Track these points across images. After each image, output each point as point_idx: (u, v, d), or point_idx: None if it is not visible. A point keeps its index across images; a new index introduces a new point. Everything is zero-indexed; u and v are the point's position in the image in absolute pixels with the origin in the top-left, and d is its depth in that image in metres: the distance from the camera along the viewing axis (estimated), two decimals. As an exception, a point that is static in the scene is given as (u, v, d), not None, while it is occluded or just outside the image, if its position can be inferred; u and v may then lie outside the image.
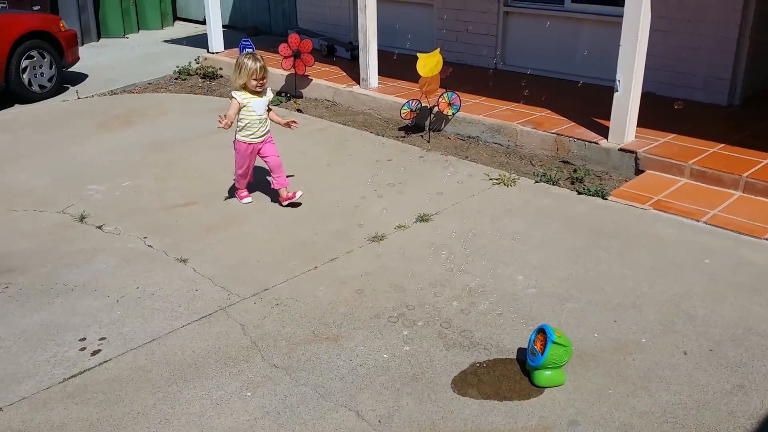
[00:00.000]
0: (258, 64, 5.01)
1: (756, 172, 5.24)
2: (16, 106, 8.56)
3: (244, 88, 5.10)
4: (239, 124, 5.21)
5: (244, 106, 5.12)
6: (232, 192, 5.65)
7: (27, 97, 8.65)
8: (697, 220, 4.88)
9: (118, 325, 3.95)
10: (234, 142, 5.32)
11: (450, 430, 3.10)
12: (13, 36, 8.38)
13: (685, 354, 3.54)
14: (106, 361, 3.64)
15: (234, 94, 5.14)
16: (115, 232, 5.09)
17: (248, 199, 5.52)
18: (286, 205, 5.36)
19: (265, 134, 5.29)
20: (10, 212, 5.47)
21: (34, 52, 8.65)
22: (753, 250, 4.49)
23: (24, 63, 8.54)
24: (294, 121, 5.44)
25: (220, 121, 5.02)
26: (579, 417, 3.15)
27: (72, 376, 3.53)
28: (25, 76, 8.57)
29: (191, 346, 3.74)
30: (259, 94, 5.16)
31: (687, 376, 3.38)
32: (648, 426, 3.08)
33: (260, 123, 5.21)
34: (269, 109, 5.32)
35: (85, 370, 3.57)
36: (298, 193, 5.36)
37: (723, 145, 5.81)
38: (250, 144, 5.25)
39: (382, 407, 3.25)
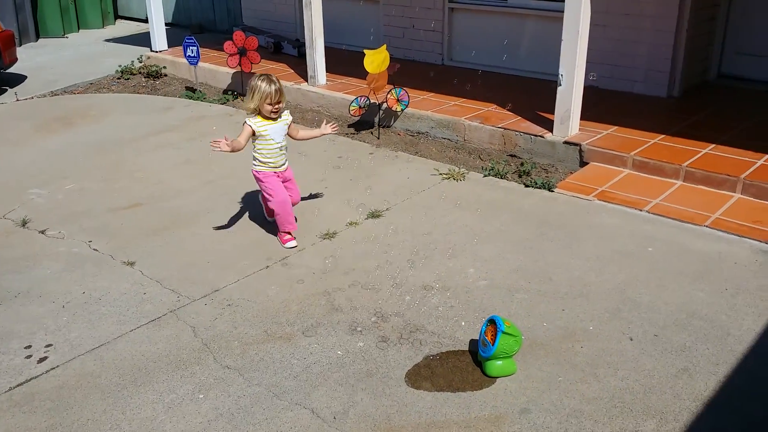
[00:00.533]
0: (273, 87, 4.44)
1: (695, 162, 5.40)
2: (-49, 109, 8.28)
3: (258, 113, 4.55)
4: (255, 154, 4.65)
5: (261, 135, 4.55)
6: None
7: (-38, 99, 8.38)
8: (640, 210, 5.01)
9: (64, 332, 3.86)
10: (254, 173, 4.71)
11: (405, 424, 3.12)
12: (-54, 37, 8.11)
13: (631, 340, 3.63)
14: (54, 368, 3.56)
15: (248, 120, 4.55)
16: (59, 237, 4.97)
17: (293, 243, 4.77)
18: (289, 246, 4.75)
19: (285, 163, 4.75)
20: (-53, 219, 5.30)
21: (-32, 53, 8.39)
22: (694, 238, 4.63)
23: (-42, 64, 8.28)
24: (332, 125, 4.98)
25: (216, 145, 4.40)
26: (530, 405, 3.21)
27: (18, 385, 3.44)
28: (-41, 78, 8.31)
29: (141, 350, 3.68)
30: (275, 119, 4.59)
31: (633, 361, 3.47)
32: (597, 411, 3.15)
33: (280, 152, 4.65)
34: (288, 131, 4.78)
35: (31, 378, 3.48)
36: (292, 243, 4.77)
37: (663, 135, 5.98)
38: (274, 173, 4.71)
39: (337, 404, 3.26)
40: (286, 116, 4.69)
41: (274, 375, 3.46)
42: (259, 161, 4.65)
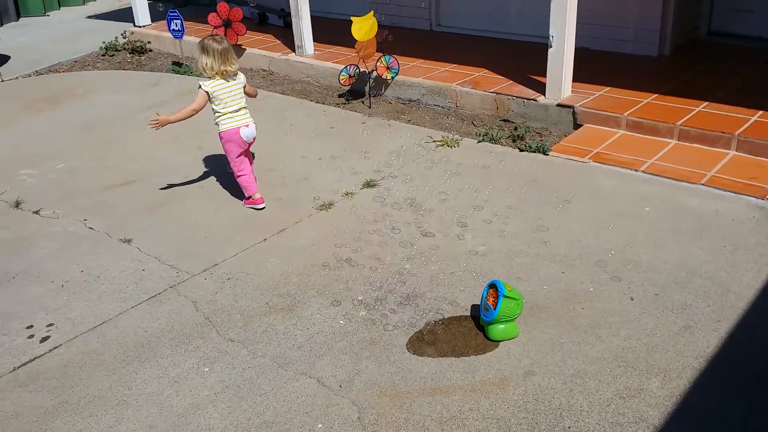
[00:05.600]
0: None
1: (689, 120, 5.39)
2: (-65, 91, 8.14)
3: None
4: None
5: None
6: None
7: (-55, 81, 8.24)
8: (636, 170, 5.01)
9: (65, 310, 3.85)
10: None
11: (410, 390, 3.14)
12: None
13: (632, 300, 3.65)
14: (57, 347, 3.55)
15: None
16: (54, 216, 4.93)
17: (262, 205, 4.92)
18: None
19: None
20: (-62, 202, 5.24)
21: (-51, 34, 8.23)
22: (691, 196, 4.63)
23: (-61, 46, 8.12)
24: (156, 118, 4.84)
25: None
26: (534, 367, 3.23)
27: (22, 365, 3.43)
28: (-59, 59, 8.16)
29: (143, 326, 3.68)
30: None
31: (635, 321, 3.49)
32: (601, 371, 3.18)
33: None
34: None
35: (35, 358, 3.48)
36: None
37: (656, 95, 5.95)
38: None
39: (342, 372, 3.27)
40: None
41: (278, 346, 3.47)
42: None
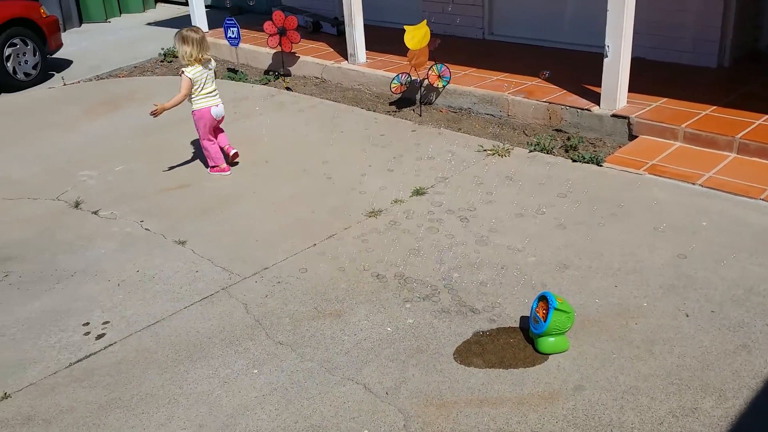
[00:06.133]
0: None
1: (749, 133, 5.26)
2: (2, 95, 8.45)
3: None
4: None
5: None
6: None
7: (12, 85, 8.53)
8: (693, 183, 4.90)
9: (120, 309, 3.95)
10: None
11: (457, 400, 3.12)
12: (-5, 24, 8.26)
13: (687, 316, 3.57)
14: (111, 345, 3.64)
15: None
16: (111, 217, 5.06)
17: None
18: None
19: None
20: (4, 201, 5.44)
21: (16, 40, 8.53)
22: (749, 211, 4.51)
23: (7, 51, 8.42)
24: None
25: None
26: (584, 382, 3.18)
27: (78, 361, 3.53)
28: (9, 64, 8.45)
29: (195, 327, 3.75)
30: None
31: (690, 338, 3.41)
32: (654, 388, 3.11)
33: None
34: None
35: (90, 354, 3.58)
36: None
37: (715, 107, 5.82)
38: None
39: (389, 379, 3.27)
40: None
41: (326, 351, 3.49)
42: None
